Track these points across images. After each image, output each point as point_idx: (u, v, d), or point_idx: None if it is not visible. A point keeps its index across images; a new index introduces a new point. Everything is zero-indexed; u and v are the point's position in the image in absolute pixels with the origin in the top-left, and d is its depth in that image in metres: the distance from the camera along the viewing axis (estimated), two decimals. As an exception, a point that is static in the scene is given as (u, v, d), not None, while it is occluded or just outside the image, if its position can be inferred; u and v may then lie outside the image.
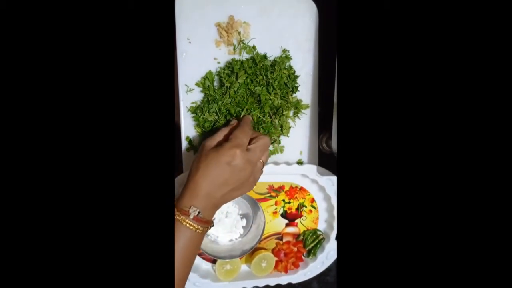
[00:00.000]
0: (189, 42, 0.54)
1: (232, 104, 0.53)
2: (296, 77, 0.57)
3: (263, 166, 0.48)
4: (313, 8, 0.58)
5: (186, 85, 0.54)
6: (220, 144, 0.45)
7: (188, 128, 0.55)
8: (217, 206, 0.45)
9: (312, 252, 0.61)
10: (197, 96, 0.55)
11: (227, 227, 0.57)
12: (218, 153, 0.43)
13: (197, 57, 0.55)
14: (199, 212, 0.41)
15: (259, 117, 0.54)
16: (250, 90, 0.54)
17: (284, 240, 0.61)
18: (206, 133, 0.55)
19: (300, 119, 0.59)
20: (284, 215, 0.61)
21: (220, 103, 0.53)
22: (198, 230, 0.41)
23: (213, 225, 0.45)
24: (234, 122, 0.51)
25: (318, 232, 0.62)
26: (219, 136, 0.47)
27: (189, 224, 0.41)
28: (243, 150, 0.44)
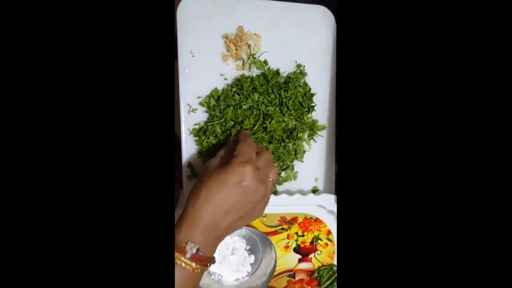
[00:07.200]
0: (193, 56, 0.48)
1: (236, 127, 0.47)
2: (312, 95, 0.51)
3: (273, 185, 0.41)
4: (331, 18, 0.52)
5: (189, 105, 0.48)
6: (225, 163, 0.38)
7: (190, 154, 0.49)
8: (220, 239, 0.38)
9: (328, 292, 0.54)
10: (201, 116, 0.49)
11: (233, 265, 0.50)
12: (225, 171, 0.36)
13: (202, 73, 0.48)
14: (198, 249, 0.34)
15: (270, 141, 0.48)
16: (262, 112, 0.47)
17: (297, 278, 0.54)
18: (205, 155, 0.48)
19: (316, 142, 0.52)
20: (297, 249, 0.54)
21: (223, 123, 0.47)
22: (196, 270, 0.34)
23: (214, 262, 0.38)
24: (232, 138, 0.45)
25: (335, 268, 0.55)
26: (222, 153, 0.41)
27: (185, 263, 0.34)
28: (253, 166, 0.37)
